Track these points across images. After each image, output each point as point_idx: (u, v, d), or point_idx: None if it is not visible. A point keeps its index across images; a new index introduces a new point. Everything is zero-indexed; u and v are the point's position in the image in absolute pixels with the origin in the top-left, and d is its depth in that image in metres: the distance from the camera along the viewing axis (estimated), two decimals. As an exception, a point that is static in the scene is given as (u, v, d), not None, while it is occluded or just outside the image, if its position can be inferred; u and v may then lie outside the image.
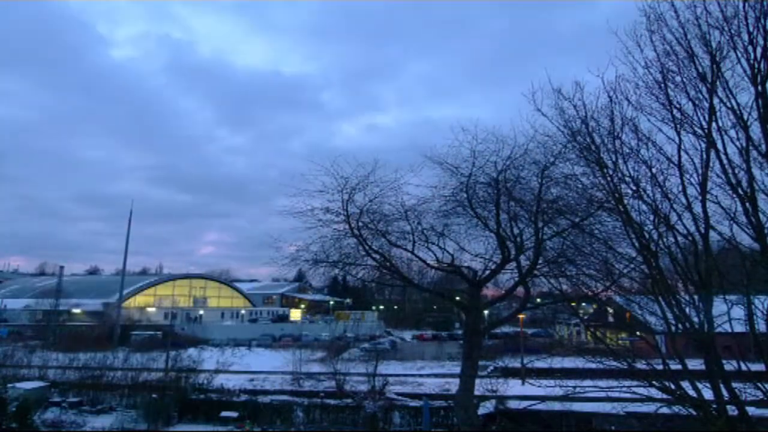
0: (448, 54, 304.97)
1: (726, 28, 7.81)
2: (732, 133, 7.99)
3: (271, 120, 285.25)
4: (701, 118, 8.29)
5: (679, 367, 8.96)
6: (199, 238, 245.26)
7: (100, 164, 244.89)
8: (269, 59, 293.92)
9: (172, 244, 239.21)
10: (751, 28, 7.61)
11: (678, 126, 8.60)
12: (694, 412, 8.91)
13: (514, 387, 35.14)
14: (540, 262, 20.00)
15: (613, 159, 9.38)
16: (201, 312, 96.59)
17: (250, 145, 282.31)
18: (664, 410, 9.49)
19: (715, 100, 8.05)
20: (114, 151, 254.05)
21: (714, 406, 8.51)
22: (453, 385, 33.79)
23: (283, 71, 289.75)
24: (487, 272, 22.85)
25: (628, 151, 9.29)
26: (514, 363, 45.77)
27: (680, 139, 8.63)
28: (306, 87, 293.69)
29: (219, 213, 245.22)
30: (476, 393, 25.08)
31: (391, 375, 39.99)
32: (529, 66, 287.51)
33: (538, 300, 28.42)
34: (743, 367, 8.27)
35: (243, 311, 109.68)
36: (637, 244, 9.41)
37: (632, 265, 10.38)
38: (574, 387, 11.86)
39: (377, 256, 22.48)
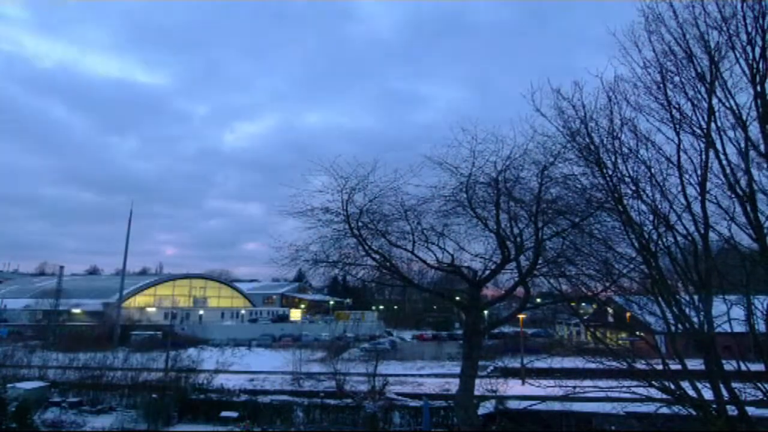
0: (289, 64, 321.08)
1: (724, 29, 7.82)
2: (731, 133, 8.01)
3: (152, 127, 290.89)
4: (700, 119, 8.30)
5: (679, 367, 8.96)
6: (141, 238, 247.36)
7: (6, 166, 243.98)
8: (120, 70, 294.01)
9: (112, 244, 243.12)
10: (749, 29, 7.62)
11: (677, 126, 8.60)
12: (694, 412, 8.91)
13: (514, 387, 35.11)
14: (540, 262, 19.99)
15: (613, 159, 9.38)
16: (201, 312, 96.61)
17: (145, 150, 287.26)
18: (664, 410, 9.49)
19: (714, 101, 8.06)
20: (15, 155, 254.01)
21: (714, 406, 8.51)
22: (453, 385, 33.79)
23: (140, 81, 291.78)
24: (487, 272, 22.85)
25: (627, 151, 9.29)
26: (514, 363, 45.75)
27: (679, 139, 8.64)
28: (167, 96, 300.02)
29: (146, 214, 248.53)
30: (476, 393, 25.06)
31: (391, 375, 40.00)
32: (362, 74, 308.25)
33: (538, 300, 28.42)
34: (743, 367, 8.27)
35: (243, 311, 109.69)
36: (636, 245, 9.41)
37: (632, 265, 10.38)
38: (574, 387, 11.86)
39: (377, 256, 22.49)
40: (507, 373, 43.19)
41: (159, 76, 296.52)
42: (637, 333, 11.86)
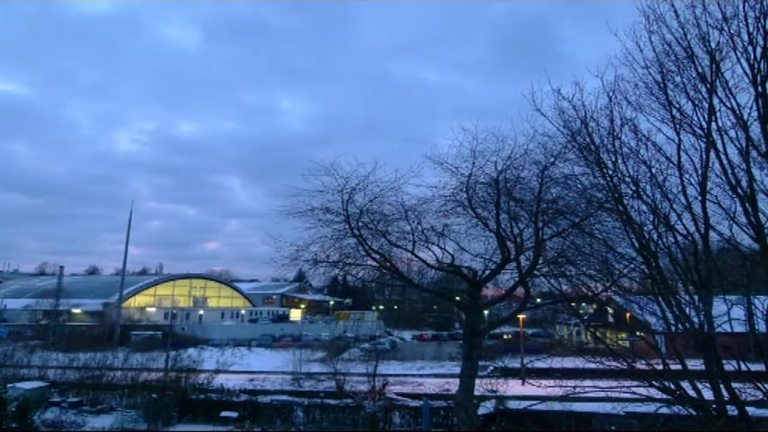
0: (137, 77, 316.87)
1: (725, 29, 7.82)
2: (732, 133, 8.01)
3: (40, 133, 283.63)
4: (701, 118, 8.30)
5: (679, 367, 8.96)
6: (89, 239, 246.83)
7: None
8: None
9: (42, 242, 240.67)
10: (750, 28, 7.62)
11: (678, 126, 8.60)
12: (694, 412, 8.91)
13: (514, 387, 35.10)
14: (540, 262, 20.01)
15: (613, 159, 9.39)
16: (201, 312, 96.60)
17: (45, 155, 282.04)
18: (664, 410, 9.49)
19: (715, 100, 8.06)
20: None
21: (714, 406, 8.51)
22: (453, 385, 33.78)
23: (6, 90, 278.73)
24: (487, 272, 22.86)
25: (627, 151, 9.31)
26: (514, 363, 45.77)
27: (680, 139, 8.64)
28: (37, 104, 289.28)
29: (80, 215, 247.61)
30: (476, 393, 25.07)
31: (391, 375, 39.96)
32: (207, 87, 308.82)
33: (538, 300, 28.42)
34: (743, 367, 8.26)
35: (243, 311, 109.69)
36: (636, 245, 9.42)
37: (632, 266, 10.38)
38: (574, 387, 11.84)
39: (377, 256, 22.51)
40: (507, 373, 43.20)
41: (17, 85, 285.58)
42: (637, 333, 11.85)
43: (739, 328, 8.34)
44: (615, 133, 9.33)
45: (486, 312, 44.41)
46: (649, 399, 9.33)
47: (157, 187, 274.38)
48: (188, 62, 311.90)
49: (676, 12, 8.25)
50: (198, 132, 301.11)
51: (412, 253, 22.71)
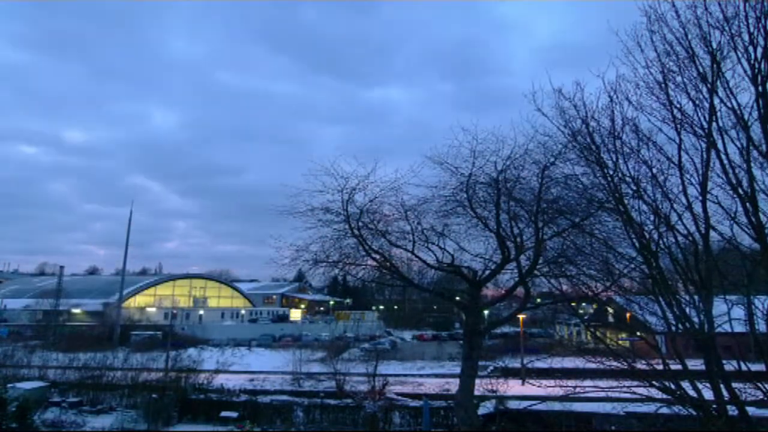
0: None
1: (726, 29, 7.82)
2: (732, 133, 8.01)
3: None
4: (702, 118, 8.30)
5: (679, 367, 8.96)
6: (38, 239, 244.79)
7: None
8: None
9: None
10: (751, 29, 7.62)
11: (678, 126, 8.61)
12: (694, 412, 8.91)
13: (514, 387, 35.10)
14: (540, 262, 20.02)
15: (614, 159, 9.40)
16: (201, 312, 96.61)
17: None
18: (664, 410, 9.49)
19: (716, 100, 8.06)
20: None
21: (714, 406, 8.51)
22: (453, 385, 33.79)
23: None
24: (487, 272, 22.87)
25: (628, 151, 9.31)
26: (514, 363, 45.78)
27: (681, 139, 8.65)
28: None
29: (20, 216, 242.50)
30: (476, 393, 25.07)
31: (391, 375, 39.96)
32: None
33: (538, 300, 28.43)
34: (743, 367, 8.26)
35: (243, 311, 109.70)
36: (637, 244, 9.42)
37: (632, 265, 10.38)
38: (574, 387, 11.82)
39: (377, 256, 22.51)
40: (507, 373, 43.19)
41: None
42: (638, 333, 11.86)
43: (739, 328, 8.35)
44: (616, 133, 9.34)
45: (486, 312, 44.42)
46: (649, 399, 9.32)
47: (78, 189, 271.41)
48: (32, 77, 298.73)
49: (677, 12, 8.25)
50: (89, 139, 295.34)
51: (412, 253, 22.73)
